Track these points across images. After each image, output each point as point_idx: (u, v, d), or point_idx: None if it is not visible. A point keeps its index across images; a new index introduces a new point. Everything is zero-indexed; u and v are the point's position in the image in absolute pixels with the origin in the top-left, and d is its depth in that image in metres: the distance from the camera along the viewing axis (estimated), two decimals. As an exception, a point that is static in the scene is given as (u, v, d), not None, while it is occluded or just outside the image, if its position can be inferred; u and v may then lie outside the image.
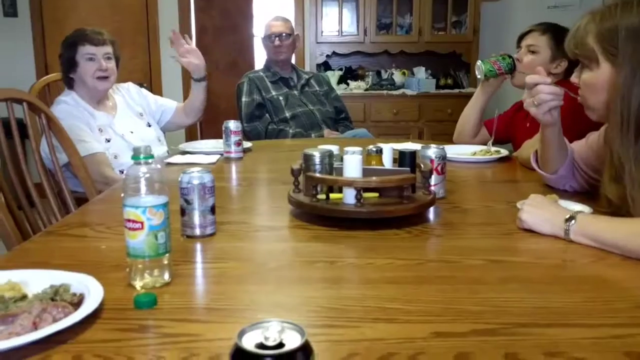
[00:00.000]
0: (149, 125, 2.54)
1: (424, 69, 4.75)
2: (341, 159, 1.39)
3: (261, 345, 0.52)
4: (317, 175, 1.39)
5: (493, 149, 2.21)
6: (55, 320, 0.81)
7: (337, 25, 4.80)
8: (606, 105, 1.29)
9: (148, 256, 0.98)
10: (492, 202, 1.53)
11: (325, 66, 4.89)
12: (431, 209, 1.44)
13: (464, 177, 1.86)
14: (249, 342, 0.53)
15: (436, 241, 1.30)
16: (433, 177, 1.51)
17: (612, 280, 1.05)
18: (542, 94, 1.45)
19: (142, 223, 0.97)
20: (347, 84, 4.78)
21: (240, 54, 5.23)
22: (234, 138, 2.18)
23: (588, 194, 1.55)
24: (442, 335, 0.82)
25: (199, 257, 1.19)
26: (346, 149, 1.47)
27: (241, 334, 0.54)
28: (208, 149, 2.36)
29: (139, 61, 4.73)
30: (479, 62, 2.27)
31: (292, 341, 0.53)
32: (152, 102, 2.63)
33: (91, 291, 0.90)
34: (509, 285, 1.01)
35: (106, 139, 2.32)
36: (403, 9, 4.77)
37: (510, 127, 2.37)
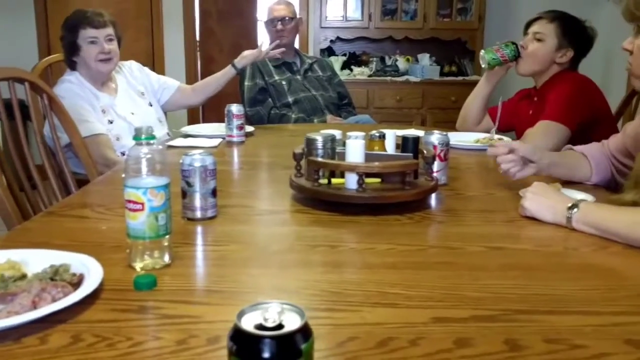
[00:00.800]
0: (150, 105, 2.52)
1: (428, 55, 4.72)
2: (344, 144, 1.39)
3: (260, 327, 0.52)
4: (320, 159, 1.38)
5: (496, 136, 2.20)
6: (54, 300, 0.81)
7: (342, 11, 4.76)
8: None
9: (148, 237, 0.97)
10: (494, 190, 1.52)
11: (329, 51, 4.86)
12: (433, 195, 1.44)
13: (466, 164, 1.85)
14: (248, 323, 0.52)
15: (438, 227, 1.30)
16: (436, 163, 1.50)
17: (614, 268, 1.05)
18: (502, 165, 1.48)
19: (142, 204, 0.96)
20: (351, 70, 4.75)
21: (244, 37, 5.19)
22: (236, 122, 2.17)
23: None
24: (442, 321, 0.82)
25: (199, 240, 1.19)
26: (349, 133, 1.46)
27: (240, 314, 0.53)
28: (210, 132, 2.35)
29: (143, 44, 4.70)
30: (482, 52, 2.25)
31: (292, 323, 0.53)
32: (155, 81, 2.62)
33: (91, 272, 0.90)
34: (510, 272, 1.00)
35: (109, 121, 2.31)
36: (408, -5, 4.73)
37: (513, 115, 2.35)
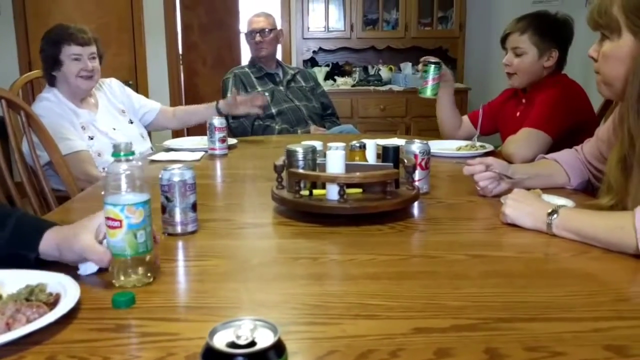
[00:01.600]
0: (131, 122, 2.51)
1: (410, 64, 4.74)
2: (324, 155, 1.38)
3: (233, 344, 0.51)
4: (300, 171, 1.38)
5: (478, 144, 2.21)
6: (29, 321, 0.79)
7: (324, 21, 4.78)
8: (624, 79, 1.26)
9: (129, 254, 0.96)
10: (476, 197, 1.53)
11: (312, 62, 4.87)
12: (415, 204, 1.44)
13: (448, 172, 1.85)
14: (220, 341, 0.52)
15: (419, 236, 1.30)
16: (417, 172, 1.51)
17: (594, 273, 1.05)
18: (480, 183, 1.50)
19: (120, 221, 0.95)
20: (334, 80, 4.76)
21: (226, 50, 5.20)
22: (218, 135, 2.17)
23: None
24: (422, 331, 0.81)
25: (180, 255, 1.18)
26: (329, 144, 1.46)
27: (212, 332, 0.53)
28: (192, 145, 2.35)
29: (125, 58, 4.69)
30: (420, 95, 2.21)
31: (265, 339, 0.52)
32: (135, 101, 2.61)
33: (68, 291, 0.89)
34: (491, 280, 1.00)
35: (89, 137, 2.29)
36: (389, 5, 4.76)
37: (499, 117, 2.34)
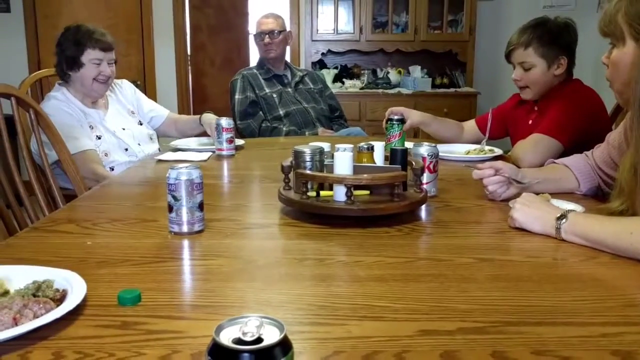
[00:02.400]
0: (140, 124, 2.52)
1: (419, 67, 4.74)
2: (332, 156, 1.38)
3: (239, 341, 0.51)
4: (308, 172, 1.37)
5: (487, 147, 2.20)
6: (36, 317, 0.80)
7: (333, 24, 4.78)
8: (628, 86, 1.26)
9: None
10: (484, 201, 1.52)
11: (321, 64, 4.87)
12: (423, 207, 1.43)
13: (457, 175, 1.85)
14: (226, 338, 0.51)
15: (427, 239, 1.29)
16: (425, 175, 1.50)
17: (603, 278, 1.05)
18: (489, 187, 1.50)
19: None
20: (343, 83, 4.76)
21: (235, 51, 5.21)
22: (225, 135, 2.17)
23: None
24: (428, 334, 0.81)
25: (186, 254, 1.18)
26: (337, 146, 1.46)
27: (219, 329, 0.52)
28: (200, 146, 2.35)
29: (133, 59, 4.71)
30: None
31: (271, 336, 0.52)
32: (145, 105, 2.62)
33: (74, 287, 0.89)
34: (499, 284, 1.00)
35: (97, 136, 2.30)
36: (399, 8, 4.76)
37: (509, 122, 2.32)
